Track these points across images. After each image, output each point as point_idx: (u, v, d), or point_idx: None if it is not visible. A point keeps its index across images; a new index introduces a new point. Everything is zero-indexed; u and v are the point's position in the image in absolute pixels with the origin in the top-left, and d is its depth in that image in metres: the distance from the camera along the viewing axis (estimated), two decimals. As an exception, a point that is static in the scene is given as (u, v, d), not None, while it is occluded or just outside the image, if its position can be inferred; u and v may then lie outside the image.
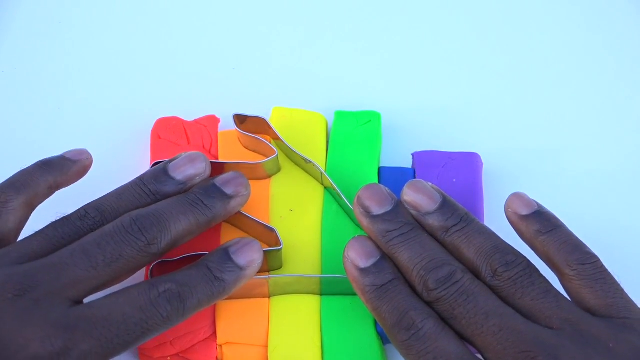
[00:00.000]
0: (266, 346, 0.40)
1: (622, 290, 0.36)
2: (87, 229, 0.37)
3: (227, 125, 0.46)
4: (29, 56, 0.51)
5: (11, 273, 0.34)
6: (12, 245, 0.37)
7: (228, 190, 0.40)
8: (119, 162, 0.46)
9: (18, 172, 0.39)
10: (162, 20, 0.52)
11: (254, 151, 0.45)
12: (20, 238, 0.38)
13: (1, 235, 0.37)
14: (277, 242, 0.41)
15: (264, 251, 0.39)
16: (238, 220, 0.42)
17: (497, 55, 0.51)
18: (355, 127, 0.46)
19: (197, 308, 0.36)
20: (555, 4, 0.52)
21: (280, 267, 0.42)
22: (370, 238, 0.39)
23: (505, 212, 0.39)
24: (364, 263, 0.38)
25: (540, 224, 0.38)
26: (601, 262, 0.37)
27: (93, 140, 0.46)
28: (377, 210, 0.39)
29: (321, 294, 0.42)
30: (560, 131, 0.48)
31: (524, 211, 0.38)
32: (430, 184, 0.40)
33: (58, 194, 0.40)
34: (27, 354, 0.32)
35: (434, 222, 0.38)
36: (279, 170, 0.45)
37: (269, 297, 0.41)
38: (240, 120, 0.45)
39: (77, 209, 0.38)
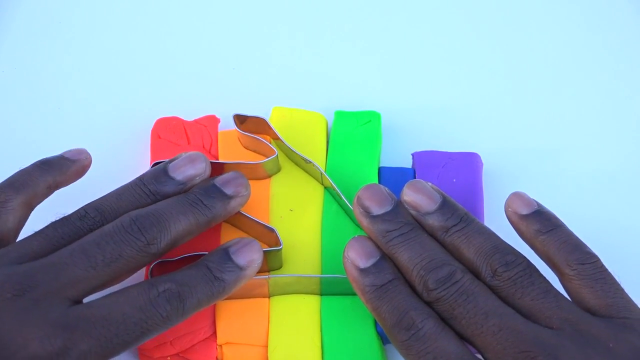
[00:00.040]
0: (266, 346, 0.40)
1: (622, 290, 0.36)
2: (87, 229, 0.37)
3: (227, 125, 0.46)
4: (29, 56, 0.51)
5: (10, 273, 0.34)
6: (12, 245, 0.37)
7: (228, 191, 0.40)
8: (119, 162, 0.46)
9: (17, 172, 0.39)
10: (162, 20, 0.52)
11: (254, 151, 0.45)
12: (20, 238, 0.38)
13: (0, 235, 0.37)
14: (277, 242, 0.41)
15: (264, 251, 0.39)
16: (238, 220, 0.42)
17: (497, 56, 0.51)
18: (355, 127, 0.46)
19: (196, 308, 0.36)
20: (555, 4, 0.52)
21: (280, 267, 0.42)
22: (370, 238, 0.39)
23: (505, 212, 0.39)
24: (363, 263, 0.38)
25: (540, 223, 0.38)
26: (601, 262, 0.37)
27: (93, 140, 0.46)
28: (377, 210, 0.39)
29: (321, 294, 0.42)
30: (560, 131, 0.48)
31: (524, 210, 0.38)
32: (430, 184, 0.39)
33: (58, 193, 0.40)
34: (26, 353, 0.32)
35: (433, 222, 0.38)
36: (279, 170, 0.45)
37: (268, 297, 0.41)
38: (240, 120, 0.45)
39: (76, 209, 0.38)
